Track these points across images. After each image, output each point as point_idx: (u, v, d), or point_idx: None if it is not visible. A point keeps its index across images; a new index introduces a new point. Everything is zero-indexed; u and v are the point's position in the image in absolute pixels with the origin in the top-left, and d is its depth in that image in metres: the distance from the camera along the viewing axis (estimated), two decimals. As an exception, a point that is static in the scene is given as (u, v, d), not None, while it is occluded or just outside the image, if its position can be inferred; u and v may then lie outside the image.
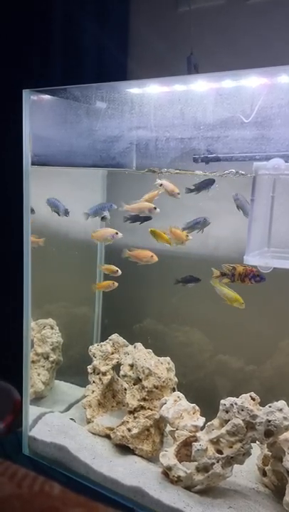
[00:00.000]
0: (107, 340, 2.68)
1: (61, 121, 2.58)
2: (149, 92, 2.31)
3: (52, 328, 2.98)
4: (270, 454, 2.03)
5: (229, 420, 1.94)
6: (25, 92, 2.21)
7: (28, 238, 2.33)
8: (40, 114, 2.36)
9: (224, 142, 2.14)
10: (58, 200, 2.58)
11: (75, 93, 2.37)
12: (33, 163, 2.30)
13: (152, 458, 2.24)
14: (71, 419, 2.60)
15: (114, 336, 2.68)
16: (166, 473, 2.04)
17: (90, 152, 2.64)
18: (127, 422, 2.27)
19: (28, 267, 2.34)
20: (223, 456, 1.93)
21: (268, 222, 1.93)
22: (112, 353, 2.62)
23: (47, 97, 2.43)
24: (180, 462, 2.02)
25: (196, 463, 1.97)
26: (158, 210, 2.28)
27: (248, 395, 1.98)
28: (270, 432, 1.87)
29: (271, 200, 1.90)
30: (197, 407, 2.19)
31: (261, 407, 1.94)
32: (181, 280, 2.46)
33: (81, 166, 2.69)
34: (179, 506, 1.90)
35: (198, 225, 2.29)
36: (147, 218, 2.33)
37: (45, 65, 2.99)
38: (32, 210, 2.35)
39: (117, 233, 2.40)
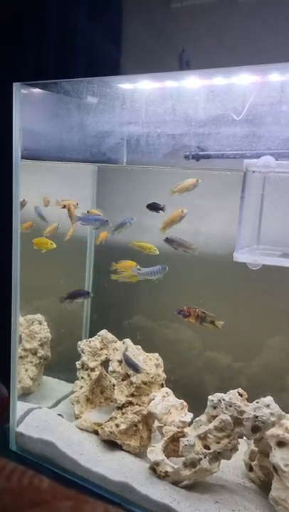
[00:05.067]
0: (96, 336, 2.67)
1: (52, 116, 2.56)
2: (141, 87, 2.30)
3: (40, 323, 2.96)
4: (257, 449, 2.05)
5: (217, 416, 1.95)
6: (15, 85, 2.19)
7: (17, 233, 2.31)
8: (30, 107, 2.34)
9: (215, 139, 2.14)
10: (91, 215, 2.47)
11: (66, 87, 2.36)
12: (22, 157, 2.28)
13: (140, 453, 2.25)
14: (59, 414, 2.60)
15: (103, 332, 2.67)
16: (154, 468, 2.05)
17: (81, 147, 2.62)
18: (115, 417, 2.28)
19: (16, 261, 2.32)
20: (210, 451, 1.94)
21: (257, 220, 1.95)
22: (101, 349, 2.62)
23: (37, 90, 2.41)
24: (168, 457, 2.03)
25: (183, 458, 1.98)
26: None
27: (236, 391, 2.00)
28: (257, 428, 1.89)
29: (261, 197, 1.91)
30: (185, 403, 2.20)
31: (249, 403, 1.96)
32: (68, 296, 2.52)
33: (71, 160, 2.67)
34: (166, 501, 1.91)
35: (126, 225, 2.30)
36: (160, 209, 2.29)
37: (36, 59, 2.96)
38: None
39: (136, 265, 2.35)
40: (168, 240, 2.24)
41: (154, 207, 2.26)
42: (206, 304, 2.32)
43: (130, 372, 2.29)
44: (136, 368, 2.22)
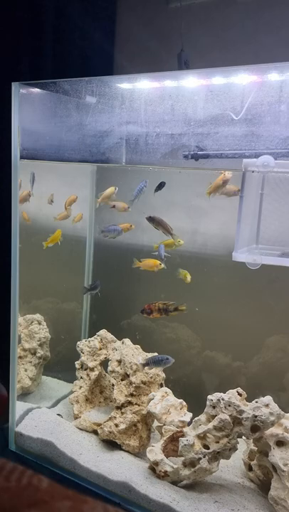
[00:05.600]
0: (95, 336, 2.67)
1: (50, 115, 2.55)
2: (140, 87, 2.30)
3: (39, 323, 2.96)
4: (256, 449, 2.05)
5: (216, 415, 1.95)
6: (14, 85, 2.18)
7: (17, 232, 2.31)
8: (29, 107, 2.34)
9: (214, 139, 2.14)
10: (112, 225, 2.49)
11: (65, 87, 2.36)
12: (21, 157, 2.27)
13: (139, 453, 2.25)
14: (58, 414, 2.60)
15: (102, 332, 2.67)
16: (153, 468, 2.05)
17: (80, 147, 2.62)
18: (115, 417, 2.28)
19: (15, 261, 2.32)
20: (209, 451, 1.94)
21: (256, 219, 1.95)
22: (100, 349, 2.62)
23: (36, 90, 2.41)
24: (167, 457, 2.03)
25: (182, 458, 1.98)
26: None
27: (235, 390, 2.00)
28: (256, 427, 1.89)
29: (260, 197, 1.91)
30: (184, 403, 2.20)
31: (248, 403, 1.96)
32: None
33: (70, 160, 2.67)
34: (165, 501, 1.91)
35: (143, 190, 2.31)
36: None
37: (35, 58, 2.96)
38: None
39: (160, 264, 2.36)
40: (149, 219, 2.28)
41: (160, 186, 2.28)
42: (206, 304, 2.32)
43: (129, 372, 2.29)
44: (166, 359, 2.21)
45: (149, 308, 2.31)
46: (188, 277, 2.29)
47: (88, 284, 2.63)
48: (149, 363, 2.22)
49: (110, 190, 2.51)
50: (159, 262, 2.30)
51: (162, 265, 2.30)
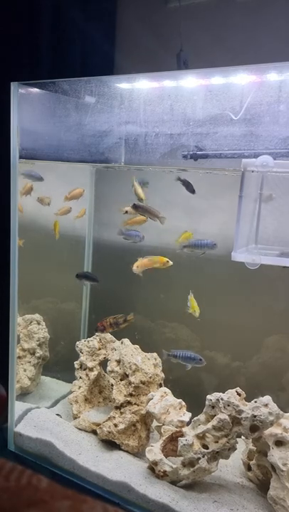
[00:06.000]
0: (94, 336, 2.67)
1: (50, 115, 2.55)
2: (139, 87, 2.30)
3: (38, 323, 2.96)
4: (255, 448, 2.06)
5: (215, 415, 1.95)
6: (13, 85, 2.18)
7: (16, 233, 2.31)
8: (28, 107, 2.34)
9: (213, 139, 2.14)
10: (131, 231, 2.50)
11: (64, 87, 2.36)
12: (20, 157, 2.27)
13: (138, 453, 2.25)
14: (57, 414, 2.60)
15: (102, 332, 2.67)
16: (152, 468, 2.05)
17: (79, 147, 2.62)
18: (114, 417, 2.28)
19: (14, 261, 2.32)
20: (208, 450, 1.94)
21: (255, 219, 1.95)
22: (99, 349, 2.62)
23: (35, 90, 2.41)
24: (166, 457, 2.03)
25: (182, 458, 1.98)
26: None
27: (234, 390, 2.00)
28: (255, 427, 1.89)
29: (259, 197, 1.91)
30: (183, 403, 2.20)
31: (247, 403, 1.96)
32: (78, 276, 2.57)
33: (69, 160, 2.67)
34: (164, 501, 1.91)
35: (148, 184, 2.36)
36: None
37: (34, 58, 2.96)
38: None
39: (168, 261, 2.36)
40: (134, 206, 2.31)
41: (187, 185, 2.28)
42: (205, 304, 2.32)
43: (128, 372, 2.29)
44: (199, 359, 2.23)
45: (102, 325, 2.42)
46: (198, 312, 2.30)
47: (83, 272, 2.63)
48: (177, 356, 2.23)
49: (79, 190, 2.63)
50: (166, 258, 2.30)
51: (170, 262, 2.30)
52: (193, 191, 2.25)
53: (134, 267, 2.33)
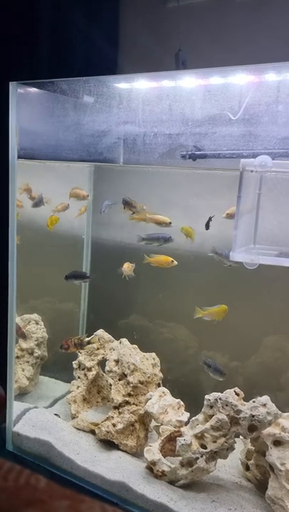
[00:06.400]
0: (93, 336, 2.67)
1: (48, 115, 2.55)
2: (138, 87, 2.30)
3: (37, 323, 2.96)
4: (253, 448, 2.06)
5: (213, 415, 1.95)
6: (11, 85, 2.18)
7: (14, 233, 2.31)
8: (26, 107, 2.33)
9: (212, 139, 2.14)
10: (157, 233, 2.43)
11: (63, 86, 2.35)
12: (19, 157, 2.27)
13: (137, 453, 2.25)
14: (56, 414, 2.59)
15: (100, 332, 2.67)
16: (151, 468, 2.05)
17: (78, 146, 2.62)
18: (112, 417, 2.27)
19: (13, 261, 2.31)
20: (207, 450, 1.94)
21: (254, 219, 1.95)
22: (98, 349, 2.62)
23: (34, 89, 2.40)
24: (164, 457, 2.03)
25: (180, 458, 1.98)
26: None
27: (233, 390, 2.00)
28: (253, 427, 1.89)
29: (258, 197, 1.91)
30: (182, 403, 2.20)
31: (245, 402, 1.96)
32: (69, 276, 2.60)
33: (68, 160, 2.67)
34: (162, 501, 1.91)
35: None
36: None
37: (33, 58, 2.96)
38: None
39: (172, 261, 2.34)
40: (124, 202, 2.39)
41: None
42: (204, 304, 2.33)
43: (127, 371, 2.29)
44: (221, 372, 2.27)
45: (66, 343, 2.50)
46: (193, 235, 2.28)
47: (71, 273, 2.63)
48: (210, 366, 2.28)
49: (83, 193, 2.68)
50: (171, 258, 2.30)
51: (175, 262, 2.30)
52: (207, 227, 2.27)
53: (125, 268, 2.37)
